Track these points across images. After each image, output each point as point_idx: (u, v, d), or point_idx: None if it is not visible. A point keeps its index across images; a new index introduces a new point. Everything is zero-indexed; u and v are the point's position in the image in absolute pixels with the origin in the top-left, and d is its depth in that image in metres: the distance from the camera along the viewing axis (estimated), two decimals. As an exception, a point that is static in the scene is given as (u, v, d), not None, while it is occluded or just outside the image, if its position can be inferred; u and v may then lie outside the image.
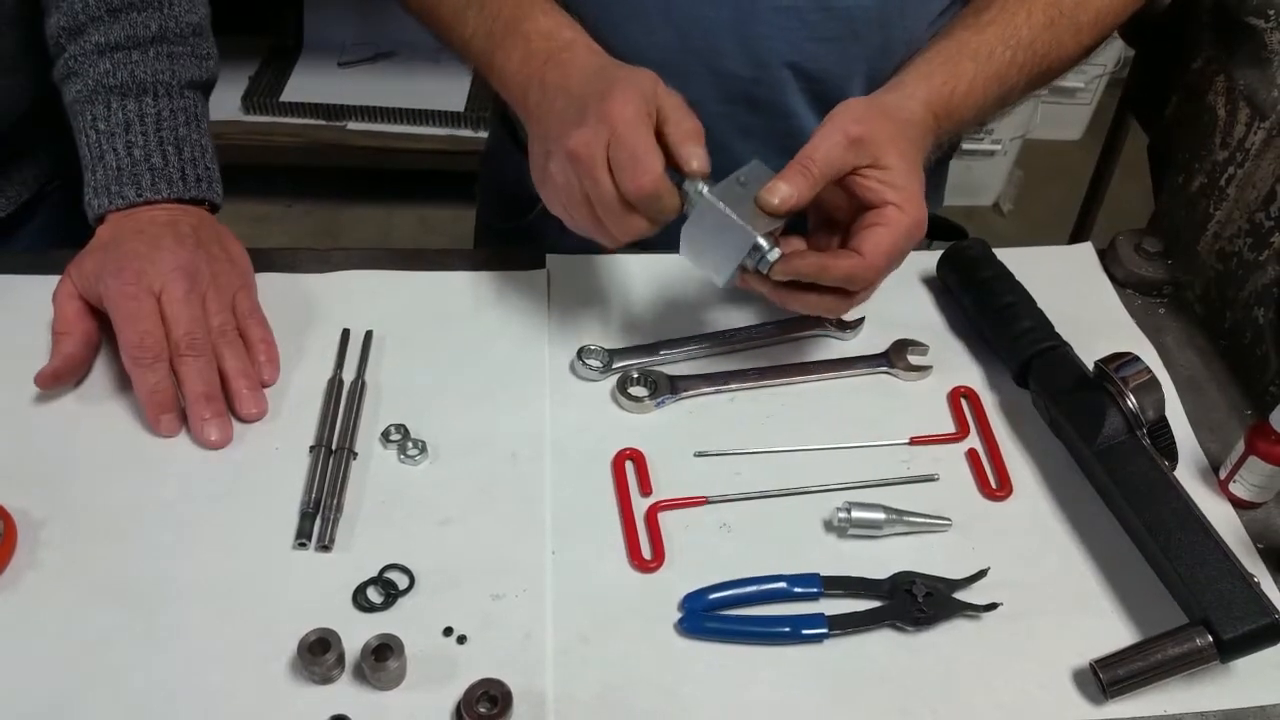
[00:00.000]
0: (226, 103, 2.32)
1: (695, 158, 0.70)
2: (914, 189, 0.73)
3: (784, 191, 0.70)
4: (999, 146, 2.64)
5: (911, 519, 0.71)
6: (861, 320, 0.85)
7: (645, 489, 0.74)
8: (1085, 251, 0.94)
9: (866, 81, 0.89)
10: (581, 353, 0.81)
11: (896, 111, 0.76)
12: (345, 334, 0.82)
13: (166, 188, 0.81)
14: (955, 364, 0.84)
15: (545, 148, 0.74)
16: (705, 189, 0.71)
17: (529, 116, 0.77)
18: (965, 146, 2.64)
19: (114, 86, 0.81)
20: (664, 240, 0.96)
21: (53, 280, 0.79)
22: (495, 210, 1.16)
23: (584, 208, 0.72)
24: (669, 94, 0.72)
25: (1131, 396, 0.71)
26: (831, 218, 0.77)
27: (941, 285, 0.90)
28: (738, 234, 0.71)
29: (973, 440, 0.79)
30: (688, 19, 0.86)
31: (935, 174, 1.06)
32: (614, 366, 0.81)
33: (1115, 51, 2.71)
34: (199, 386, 0.74)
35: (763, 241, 0.71)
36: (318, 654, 0.61)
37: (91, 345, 0.78)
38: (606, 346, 0.82)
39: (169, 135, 0.82)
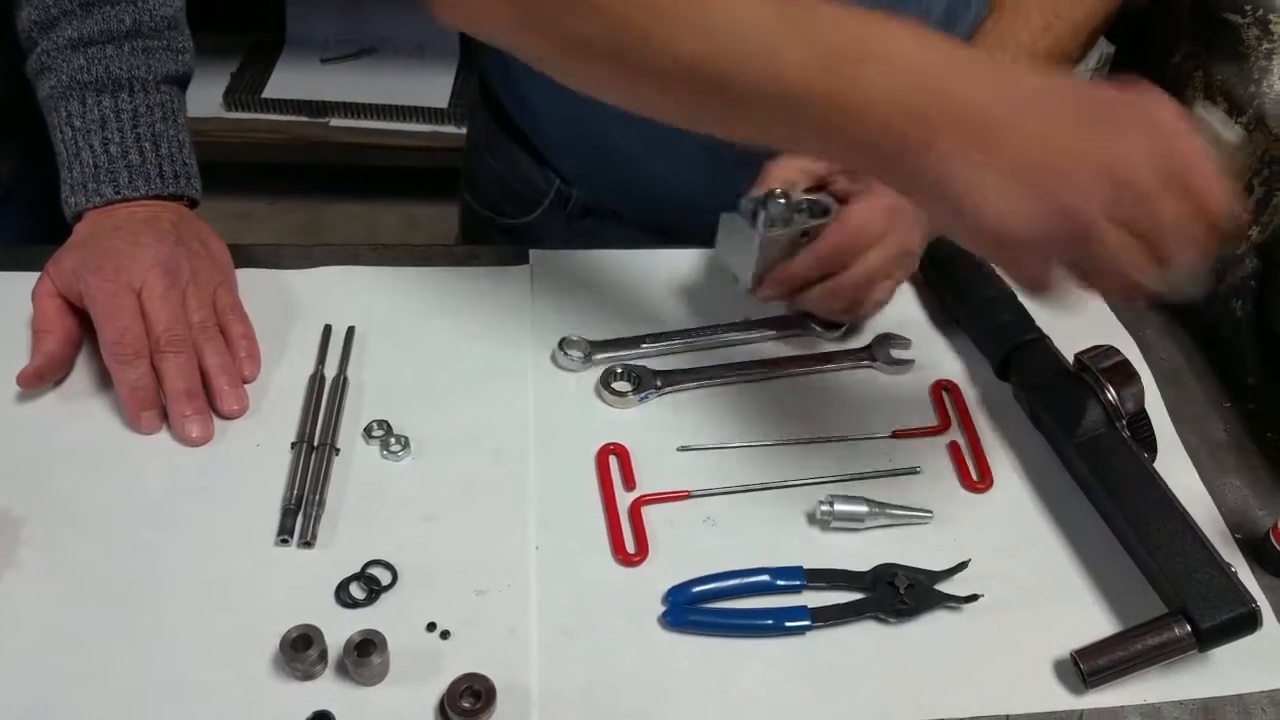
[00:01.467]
0: (208, 99, 2.30)
1: None
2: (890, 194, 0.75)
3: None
4: (982, 142, 2.64)
5: (893, 511, 0.72)
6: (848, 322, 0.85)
7: (629, 483, 0.74)
8: (1066, 245, 0.95)
9: None
10: (563, 343, 0.81)
11: None
12: (327, 330, 0.82)
13: (144, 185, 0.81)
14: (937, 358, 0.85)
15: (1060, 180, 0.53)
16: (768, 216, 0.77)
17: (948, 143, 0.55)
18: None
19: (89, 82, 0.81)
20: (650, 237, 0.96)
21: (30, 277, 0.78)
22: (493, 205, 1.14)
23: (1133, 248, 0.54)
24: None
25: (1111, 389, 0.72)
26: None
27: (923, 280, 0.90)
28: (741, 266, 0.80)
29: (954, 433, 0.79)
30: None
31: None
32: (595, 358, 0.81)
33: (1096, 49, 2.72)
34: (180, 383, 0.74)
35: (746, 283, 0.80)
36: (300, 650, 0.61)
37: (73, 343, 0.77)
38: (589, 338, 0.82)
39: (145, 131, 0.82)
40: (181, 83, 0.87)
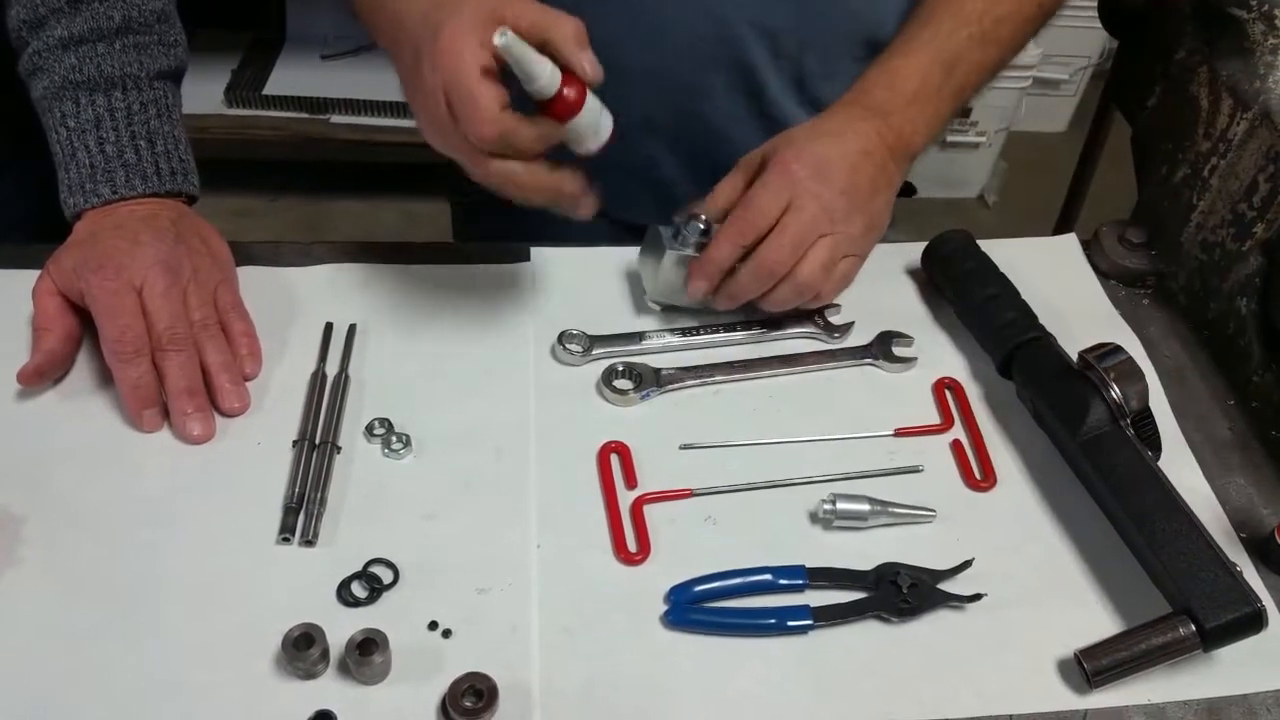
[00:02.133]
0: (209, 96, 2.30)
1: (589, 62, 0.68)
2: (793, 155, 0.79)
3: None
4: (983, 139, 2.64)
5: (896, 510, 0.72)
6: (851, 325, 0.85)
7: (630, 482, 0.73)
8: (1069, 243, 0.94)
9: (827, 36, 0.93)
10: (562, 337, 0.81)
11: (819, 135, 0.81)
12: (328, 328, 0.82)
13: (141, 183, 0.80)
14: (940, 355, 0.84)
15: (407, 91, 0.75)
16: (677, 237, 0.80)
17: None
18: (950, 139, 2.64)
19: (81, 82, 0.80)
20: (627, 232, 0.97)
21: (30, 274, 0.78)
22: (468, 191, 1.15)
23: (455, 154, 0.72)
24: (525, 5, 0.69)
25: (1115, 387, 0.72)
26: None
27: (926, 277, 0.90)
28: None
29: (957, 431, 0.79)
30: None
31: None
32: (595, 352, 0.81)
33: (1099, 43, 2.72)
34: (181, 381, 0.74)
35: (650, 293, 0.84)
36: (302, 649, 0.61)
37: (73, 341, 0.77)
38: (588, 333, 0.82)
39: (140, 129, 0.81)
40: (175, 77, 0.87)
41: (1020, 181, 2.76)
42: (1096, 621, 0.67)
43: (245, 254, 0.86)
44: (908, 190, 1.08)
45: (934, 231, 0.89)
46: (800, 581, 0.68)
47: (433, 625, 0.65)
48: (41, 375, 0.75)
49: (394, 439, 0.74)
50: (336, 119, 2.34)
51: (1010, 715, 0.63)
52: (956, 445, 0.77)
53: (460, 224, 1.21)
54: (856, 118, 0.82)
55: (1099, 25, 1.10)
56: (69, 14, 0.81)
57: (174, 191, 0.83)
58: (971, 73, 0.86)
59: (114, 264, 0.75)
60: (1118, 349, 0.74)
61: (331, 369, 0.79)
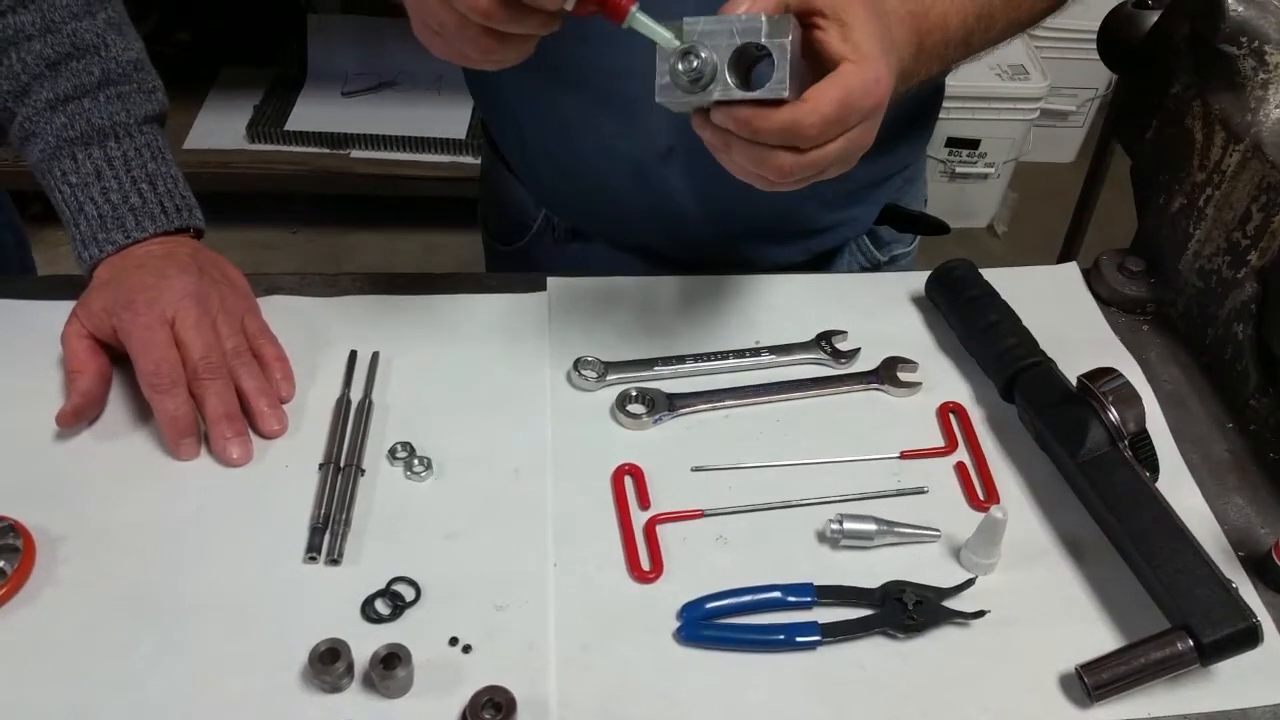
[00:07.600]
0: (232, 131, 2.35)
1: None
2: (872, 50, 0.64)
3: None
4: (992, 170, 2.67)
5: (902, 530, 0.74)
6: (857, 351, 0.87)
7: (644, 503, 0.76)
8: (1070, 271, 0.97)
9: None
10: (578, 363, 0.83)
11: None
12: (353, 355, 0.84)
13: (151, 224, 0.82)
14: (944, 380, 0.87)
15: None
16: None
17: None
18: (959, 170, 2.67)
19: (75, 138, 0.82)
20: (662, 263, 0.98)
21: (58, 305, 0.81)
22: (496, 234, 1.19)
23: (441, 40, 0.66)
24: None
25: (1113, 410, 0.74)
26: None
27: (930, 304, 0.92)
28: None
29: (961, 454, 0.81)
30: None
31: (913, 163, 1.09)
32: (610, 378, 0.83)
33: (1106, 75, 2.75)
34: (219, 408, 0.76)
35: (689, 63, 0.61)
36: (328, 663, 0.63)
37: (105, 379, 0.79)
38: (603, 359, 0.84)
39: (140, 174, 0.83)
40: (160, 120, 0.88)
41: (1030, 211, 2.78)
42: (1097, 637, 0.69)
43: (273, 285, 0.89)
44: (941, 228, 1.10)
45: (943, 260, 0.91)
46: (809, 599, 0.70)
47: (453, 641, 0.67)
48: (79, 416, 0.77)
49: (416, 462, 0.76)
50: (357, 154, 2.38)
51: (1013, 728, 0.65)
52: (960, 467, 0.80)
53: (492, 256, 1.24)
54: (900, 38, 0.70)
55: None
56: (50, 77, 0.82)
57: (182, 228, 0.84)
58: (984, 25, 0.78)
59: (144, 299, 0.77)
60: (1116, 374, 0.76)
61: (356, 395, 0.82)
